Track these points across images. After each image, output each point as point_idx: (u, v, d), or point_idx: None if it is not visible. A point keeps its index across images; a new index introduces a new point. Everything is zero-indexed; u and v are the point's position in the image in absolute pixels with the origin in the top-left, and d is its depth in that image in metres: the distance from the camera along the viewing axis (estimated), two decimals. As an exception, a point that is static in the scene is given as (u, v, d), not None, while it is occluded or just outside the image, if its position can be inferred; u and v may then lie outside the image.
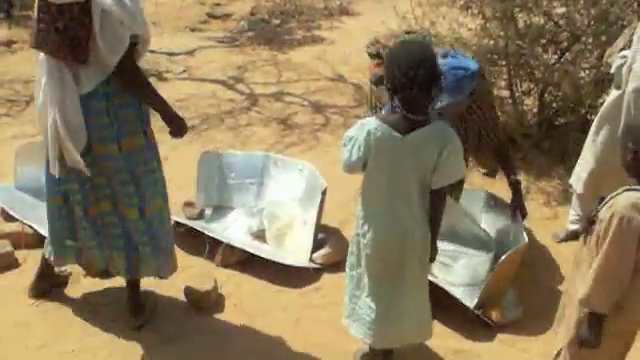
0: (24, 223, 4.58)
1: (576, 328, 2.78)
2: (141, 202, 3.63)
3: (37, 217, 4.67)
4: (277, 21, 10.57)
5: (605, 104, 4.46)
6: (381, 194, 3.12)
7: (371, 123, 3.02)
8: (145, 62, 8.51)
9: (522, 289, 4.13)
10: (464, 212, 4.35)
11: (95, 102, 3.43)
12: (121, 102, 3.49)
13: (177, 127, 3.70)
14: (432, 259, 3.30)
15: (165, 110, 3.63)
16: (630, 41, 4.27)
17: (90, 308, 4.03)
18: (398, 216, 3.12)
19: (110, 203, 3.63)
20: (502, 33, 6.59)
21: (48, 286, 4.11)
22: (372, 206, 3.17)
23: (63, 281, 4.20)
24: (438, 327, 3.84)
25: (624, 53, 4.25)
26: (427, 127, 2.99)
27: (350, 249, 3.37)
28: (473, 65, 3.84)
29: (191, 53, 8.97)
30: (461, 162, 3.11)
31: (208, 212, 4.94)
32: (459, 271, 4.21)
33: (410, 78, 2.89)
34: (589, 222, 2.77)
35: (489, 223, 4.42)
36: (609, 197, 2.71)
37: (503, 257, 3.90)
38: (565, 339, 2.87)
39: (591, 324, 2.72)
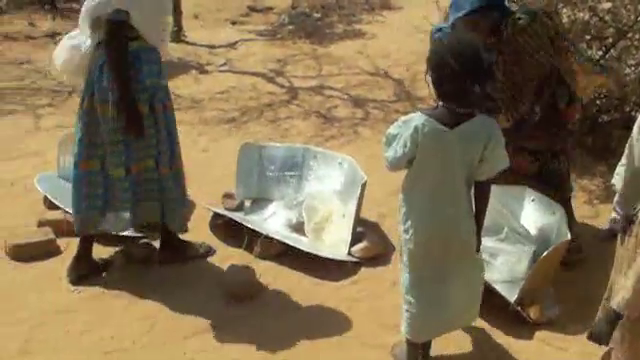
0: (66, 211, 4.65)
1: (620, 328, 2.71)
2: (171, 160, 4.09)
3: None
4: (318, 15, 10.58)
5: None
6: (427, 189, 3.09)
7: (417, 118, 2.98)
8: (186, 54, 8.64)
9: (561, 288, 4.08)
10: (504, 209, 4.31)
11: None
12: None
13: (126, 121, 3.86)
14: (477, 250, 3.28)
15: (120, 100, 3.81)
16: None
17: (130, 295, 4.07)
18: (444, 210, 3.09)
19: (153, 160, 4.01)
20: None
21: (85, 271, 4.19)
22: (417, 201, 3.13)
23: (101, 267, 4.27)
24: (478, 322, 3.83)
25: None
26: (473, 120, 2.97)
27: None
28: None
29: (232, 46, 9.03)
30: (505, 153, 3.08)
31: (247, 204, 4.96)
32: (498, 268, 4.17)
33: (460, 68, 2.87)
34: (628, 222, 2.71)
35: (529, 219, 4.37)
36: None
37: (544, 253, 3.86)
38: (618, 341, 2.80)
39: (611, 321, 2.66)
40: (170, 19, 4.29)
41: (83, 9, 3.92)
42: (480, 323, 3.81)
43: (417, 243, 3.14)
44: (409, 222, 3.16)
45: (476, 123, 2.98)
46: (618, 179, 4.46)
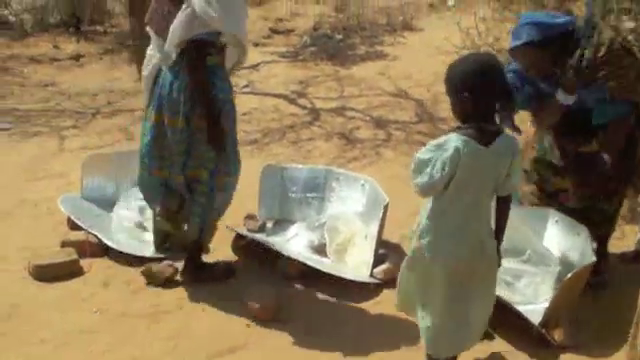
0: (89, 232, 4.68)
1: None
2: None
3: (102, 226, 4.79)
4: (340, 36, 10.62)
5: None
6: (460, 211, 3.04)
7: (454, 139, 2.92)
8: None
9: (586, 310, 4.04)
10: (528, 229, 4.28)
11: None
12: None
13: (213, 137, 4.04)
14: (498, 265, 3.25)
15: (208, 116, 3.98)
16: None
17: (152, 315, 4.08)
18: (473, 229, 3.07)
19: (207, 173, 4.17)
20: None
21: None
22: (449, 225, 3.07)
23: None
24: (503, 345, 3.80)
25: None
26: (501, 136, 2.98)
27: (408, 264, 3.27)
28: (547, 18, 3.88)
29: (254, 67, 9.07)
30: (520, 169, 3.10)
31: (269, 225, 4.96)
32: (521, 289, 4.14)
33: (489, 85, 2.90)
34: None
35: (553, 241, 4.33)
36: None
37: (569, 275, 3.82)
38: None
39: None
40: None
41: (177, 24, 3.91)
42: (505, 346, 3.79)
43: (446, 266, 3.09)
44: (437, 248, 3.08)
45: (504, 139, 2.99)
46: None
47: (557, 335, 3.80)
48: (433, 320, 3.20)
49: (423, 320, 3.25)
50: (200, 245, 4.39)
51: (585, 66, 3.82)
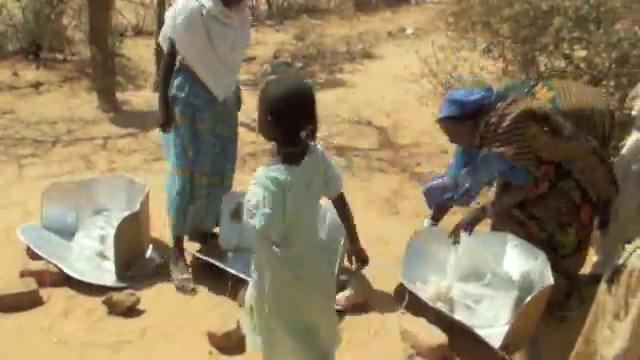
0: (49, 261, 4.63)
1: None
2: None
3: (62, 256, 4.74)
4: (300, 64, 10.71)
5: (627, 147, 4.49)
6: (301, 231, 3.10)
7: (274, 171, 2.96)
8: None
9: (547, 331, 4.10)
10: (487, 255, 4.35)
11: None
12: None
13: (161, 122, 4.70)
14: (365, 262, 3.44)
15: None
16: None
17: (114, 345, 4.04)
18: (316, 243, 3.24)
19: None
20: (523, 76, 6.65)
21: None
22: (296, 246, 3.09)
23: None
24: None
25: None
26: (310, 153, 3.06)
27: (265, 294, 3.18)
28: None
29: (215, 95, 9.06)
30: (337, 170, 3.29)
31: (230, 253, 4.96)
32: (482, 313, 4.19)
33: (294, 111, 2.99)
34: (615, 270, 2.73)
35: (512, 265, 4.40)
36: (634, 243, 2.68)
37: (528, 298, 3.88)
38: None
39: None
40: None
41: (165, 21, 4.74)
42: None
43: (297, 285, 3.12)
44: (288, 268, 3.10)
45: (313, 153, 3.08)
46: None
47: (518, 357, 3.86)
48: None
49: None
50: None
51: (485, 132, 4.11)
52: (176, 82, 4.61)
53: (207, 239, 5.01)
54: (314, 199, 3.16)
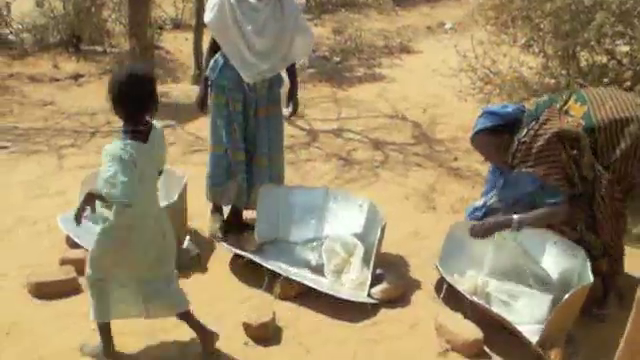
0: (88, 250, 4.69)
1: None
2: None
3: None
4: (338, 58, 10.70)
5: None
6: (143, 200, 3.55)
7: (123, 146, 3.44)
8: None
9: (583, 330, 4.06)
10: (526, 251, 4.32)
11: None
12: None
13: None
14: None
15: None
16: None
17: (151, 333, 4.07)
18: (152, 214, 3.69)
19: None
20: (564, 72, 6.57)
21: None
22: (132, 214, 3.54)
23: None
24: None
25: None
26: (154, 130, 3.60)
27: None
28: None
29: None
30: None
31: (267, 245, 4.98)
32: (519, 310, 4.17)
33: (134, 94, 3.48)
34: None
35: (551, 262, 4.36)
36: None
37: (565, 297, 3.85)
38: None
39: None
40: None
41: None
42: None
43: (139, 243, 3.65)
44: (130, 228, 3.61)
45: (155, 131, 3.62)
46: None
47: (553, 355, 3.82)
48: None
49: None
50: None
51: (517, 150, 4.10)
52: (211, 64, 4.97)
53: (240, 218, 5.33)
54: (154, 173, 3.70)
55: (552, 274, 4.29)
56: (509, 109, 4.19)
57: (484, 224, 4.29)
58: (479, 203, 4.58)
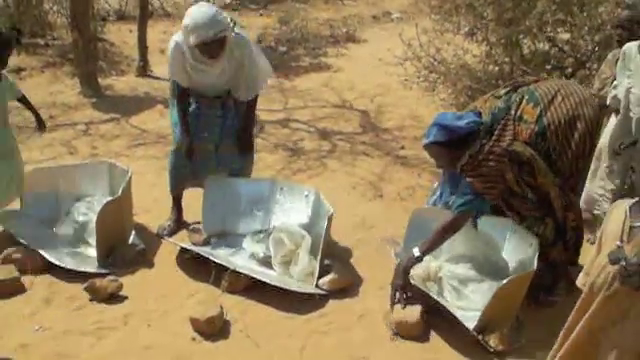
0: (31, 248, 4.60)
1: None
2: None
3: (43, 242, 4.71)
4: (284, 48, 10.66)
5: (607, 129, 4.52)
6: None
7: None
8: (152, 89, 8.63)
9: (533, 316, 4.12)
10: (484, 239, 4.38)
11: None
12: None
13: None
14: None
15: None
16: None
17: (96, 332, 4.02)
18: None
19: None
20: (507, 59, 6.64)
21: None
22: None
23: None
24: (444, 349, 3.88)
25: (615, 84, 4.50)
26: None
27: None
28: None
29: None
30: None
31: (214, 239, 4.94)
32: (468, 296, 4.21)
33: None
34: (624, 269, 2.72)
35: (511, 251, 4.40)
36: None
37: (503, 282, 3.90)
38: None
39: None
40: None
41: None
42: (448, 352, 3.84)
43: None
44: None
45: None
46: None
47: (493, 340, 3.87)
48: None
49: None
50: None
51: (466, 164, 4.09)
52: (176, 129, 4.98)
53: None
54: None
55: (510, 262, 4.34)
56: (462, 123, 4.08)
57: (396, 271, 4.26)
58: (437, 194, 4.62)
